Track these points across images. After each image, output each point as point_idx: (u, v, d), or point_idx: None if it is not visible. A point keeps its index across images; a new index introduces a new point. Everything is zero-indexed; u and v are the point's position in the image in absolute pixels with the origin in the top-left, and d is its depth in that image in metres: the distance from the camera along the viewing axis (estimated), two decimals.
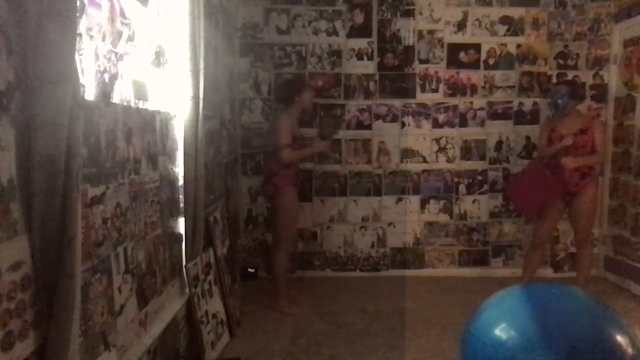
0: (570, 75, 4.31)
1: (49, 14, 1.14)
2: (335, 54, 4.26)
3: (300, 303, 3.66)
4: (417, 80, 4.31)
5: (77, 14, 1.26)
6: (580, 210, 3.49)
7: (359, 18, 4.26)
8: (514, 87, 4.32)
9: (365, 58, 4.28)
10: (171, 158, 2.44)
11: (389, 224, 4.41)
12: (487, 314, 1.86)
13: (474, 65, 4.29)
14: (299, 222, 3.84)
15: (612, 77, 4.26)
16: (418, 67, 4.30)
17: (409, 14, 4.26)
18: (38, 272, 1.22)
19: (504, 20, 4.28)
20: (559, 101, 3.50)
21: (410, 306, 3.66)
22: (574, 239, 3.85)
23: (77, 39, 1.29)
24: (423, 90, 4.32)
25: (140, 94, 2.00)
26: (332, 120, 4.20)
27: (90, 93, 1.54)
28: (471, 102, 4.34)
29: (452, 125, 4.35)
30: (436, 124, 4.34)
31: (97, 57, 1.59)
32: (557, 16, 4.28)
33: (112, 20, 1.69)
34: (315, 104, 4.24)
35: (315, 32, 4.24)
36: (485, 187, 4.40)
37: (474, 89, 4.32)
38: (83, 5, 1.43)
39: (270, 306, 3.57)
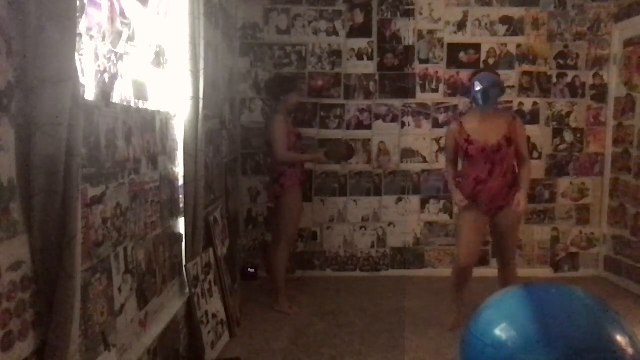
0: (570, 75, 4.31)
1: (49, 14, 1.14)
2: (335, 54, 4.26)
3: (300, 303, 3.66)
4: (417, 80, 4.31)
5: (77, 14, 1.26)
6: (508, 224, 3.08)
7: (359, 18, 4.26)
8: (514, 87, 4.32)
9: (365, 58, 4.28)
10: (171, 158, 2.44)
11: (389, 224, 4.41)
12: (487, 314, 1.86)
13: (474, 65, 4.28)
14: (300, 222, 3.85)
15: (612, 77, 4.26)
16: (418, 67, 4.30)
17: (409, 14, 4.26)
18: (38, 272, 1.22)
19: (504, 20, 4.27)
20: (490, 91, 2.91)
21: (410, 306, 3.66)
22: (498, 259, 3.32)
23: (77, 39, 1.29)
24: (423, 90, 4.32)
25: (140, 94, 2.00)
26: (344, 150, 4.08)
27: (90, 93, 1.54)
28: (471, 102, 4.33)
29: None
30: (436, 124, 4.34)
31: (97, 57, 1.59)
32: (557, 16, 4.28)
33: (112, 20, 1.69)
34: (315, 104, 4.26)
35: (315, 32, 4.24)
36: None
37: None
38: (83, 5, 1.43)
39: (270, 306, 3.57)
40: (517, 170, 3.09)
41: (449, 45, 4.29)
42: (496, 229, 3.15)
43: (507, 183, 3.04)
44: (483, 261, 4.41)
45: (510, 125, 3.01)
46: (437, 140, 4.35)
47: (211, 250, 2.99)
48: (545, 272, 4.37)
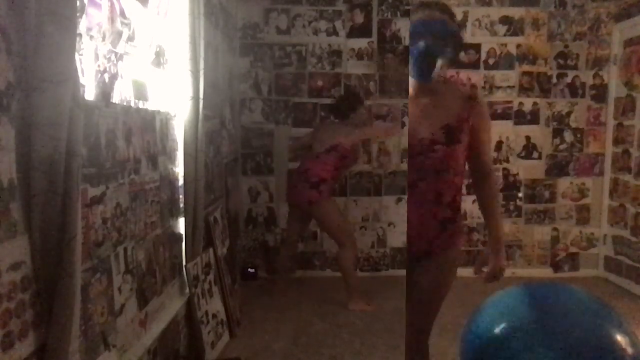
0: (570, 75, 4.31)
1: (49, 14, 1.14)
2: (335, 54, 4.26)
3: (300, 303, 3.66)
4: None
5: (77, 14, 1.26)
6: (429, 280, 1.94)
7: (359, 18, 4.26)
8: (514, 87, 4.32)
9: (365, 58, 4.28)
10: (171, 158, 2.44)
11: (389, 224, 4.41)
12: (487, 313, 1.86)
13: (474, 65, 4.28)
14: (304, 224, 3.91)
15: (612, 77, 4.26)
16: None
17: (409, 14, 4.25)
18: (38, 272, 1.22)
19: (504, 20, 4.27)
20: (431, 50, 1.62)
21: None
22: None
23: (77, 39, 1.29)
24: None
25: (140, 94, 2.00)
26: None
27: (90, 93, 1.54)
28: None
29: None
30: None
31: (97, 57, 1.59)
32: (557, 16, 4.28)
33: (112, 20, 1.69)
34: (315, 104, 4.25)
35: (315, 32, 4.23)
36: None
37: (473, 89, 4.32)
38: (83, 5, 1.43)
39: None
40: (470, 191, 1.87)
41: None
42: (412, 287, 1.92)
43: (440, 215, 1.80)
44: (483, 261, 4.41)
45: (465, 109, 1.74)
46: None
47: (211, 250, 2.99)
48: (545, 272, 4.37)
